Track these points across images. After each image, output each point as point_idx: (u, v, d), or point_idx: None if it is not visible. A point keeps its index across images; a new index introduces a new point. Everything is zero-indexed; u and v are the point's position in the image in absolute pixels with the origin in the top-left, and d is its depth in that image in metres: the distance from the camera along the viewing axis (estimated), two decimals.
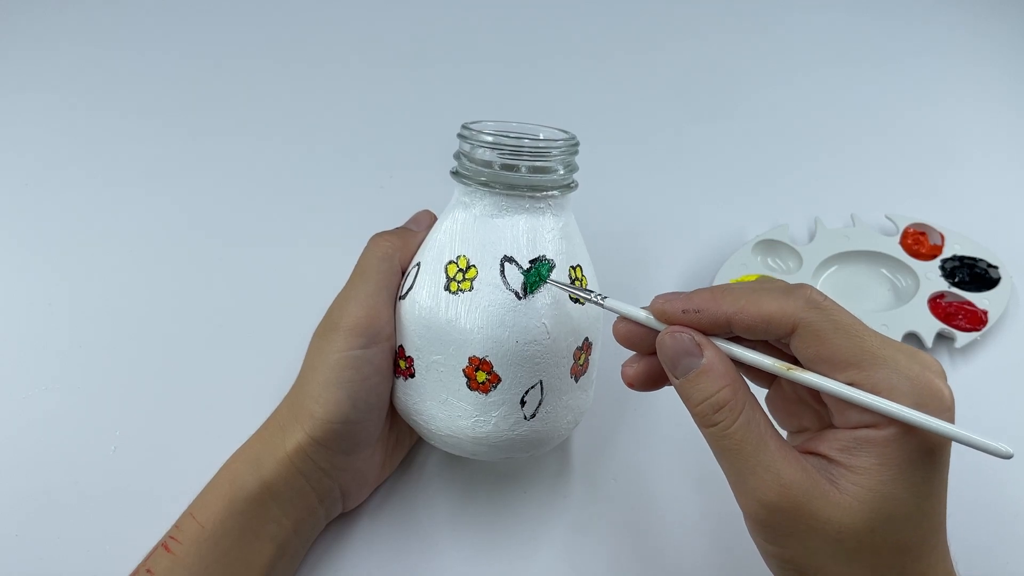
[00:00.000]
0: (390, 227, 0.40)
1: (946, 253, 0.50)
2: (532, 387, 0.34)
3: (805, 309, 0.26)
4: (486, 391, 0.34)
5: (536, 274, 0.33)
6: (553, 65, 0.64)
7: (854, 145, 0.59)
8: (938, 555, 0.27)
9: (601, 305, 0.31)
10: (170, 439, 0.42)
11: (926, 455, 0.25)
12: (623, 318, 0.31)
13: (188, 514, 0.34)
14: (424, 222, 0.40)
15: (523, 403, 0.34)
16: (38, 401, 0.43)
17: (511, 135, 0.34)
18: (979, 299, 0.48)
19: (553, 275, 0.34)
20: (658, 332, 0.29)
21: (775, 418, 0.31)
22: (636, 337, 0.30)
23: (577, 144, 0.35)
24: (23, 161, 0.54)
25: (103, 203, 0.52)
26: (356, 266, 0.37)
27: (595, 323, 0.37)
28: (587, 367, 0.37)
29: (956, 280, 0.49)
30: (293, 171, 0.55)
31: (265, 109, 0.59)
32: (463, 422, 0.34)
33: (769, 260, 0.51)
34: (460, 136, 0.35)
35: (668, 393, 0.29)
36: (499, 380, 0.33)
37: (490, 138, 0.34)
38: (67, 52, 0.61)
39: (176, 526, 0.34)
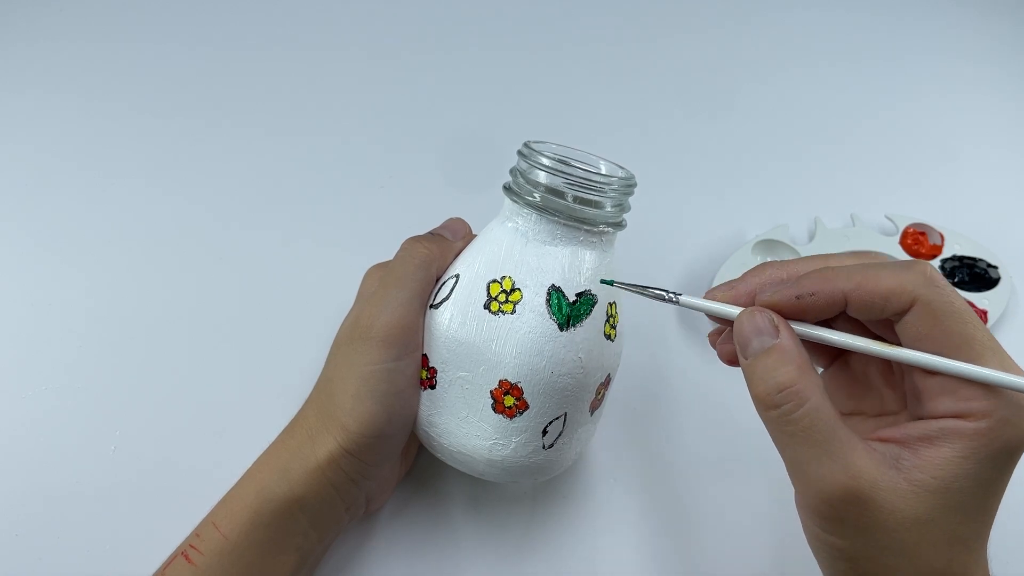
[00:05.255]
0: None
1: (946, 253, 0.50)
2: (556, 418, 0.34)
3: (925, 286, 0.26)
4: (511, 416, 0.33)
5: (580, 308, 0.33)
6: (550, 64, 0.64)
7: (854, 145, 0.59)
8: (983, 548, 0.27)
9: (677, 303, 0.30)
10: (170, 439, 0.42)
11: (1010, 452, 0.25)
12: (719, 332, 0.30)
13: (210, 523, 0.33)
14: (460, 232, 0.38)
15: (545, 432, 0.34)
16: (38, 401, 0.43)
17: (582, 166, 0.33)
18: (979, 299, 0.48)
19: (593, 311, 0.33)
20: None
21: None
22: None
23: (635, 184, 0.35)
24: (24, 160, 0.54)
25: (103, 203, 0.52)
26: (390, 270, 0.35)
27: (618, 359, 0.36)
28: (602, 402, 0.37)
29: (956, 280, 0.49)
30: (293, 170, 0.55)
31: (266, 109, 0.59)
32: (480, 442, 0.34)
33: (769, 260, 0.51)
34: (520, 154, 0.34)
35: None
36: (527, 407, 0.33)
37: (564, 166, 0.33)
38: (70, 50, 0.61)
39: (196, 535, 0.33)
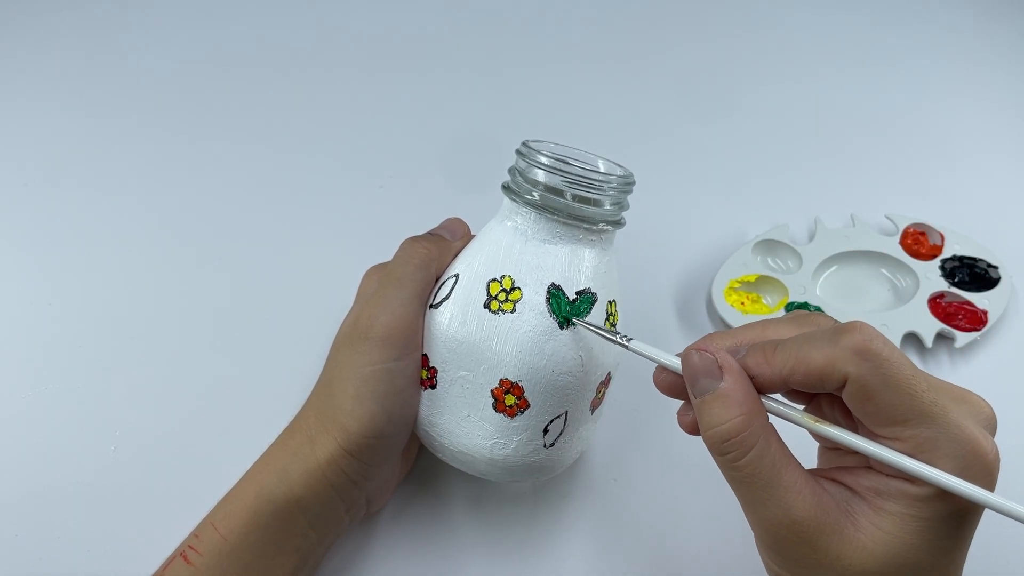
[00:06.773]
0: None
1: (946, 253, 0.50)
2: (557, 417, 0.34)
3: (853, 362, 0.24)
4: (512, 415, 0.33)
5: (580, 307, 0.33)
6: (549, 64, 0.64)
7: (854, 145, 0.59)
8: None
9: (627, 347, 0.30)
10: (170, 439, 0.42)
11: (958, 517, 0.25)
12: (663, 369, 0.29)
13: (209, 524, 0.33)
14: (459, 231, 0.38)
15: (546, 431, 0.34)
16: (38, 401, 0.43)
17: (580, 165, 0.33)
18: (979, 299, 0.48)
19: (594, 309, 0.33)
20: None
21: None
22: (680, 388, 0.29)
23: (633, 182, 0.35)
24: (24, 161, 0.54)
25: (103, 203, 0.52)
26: (389, 271, 0.35)
27: (619, 359, 0.36)
28: (602, 400, 0.37)
29: (956, 280, 0.49)
30: (292, 170, 0.55)
31: (265, 109, 0.59)
32: (481, 442, 0.34)
33: (769, 260, 0.51)
34: (519, 153, 0.34)
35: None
36: (528, 406, 0.33)
37: (563, 165, 0.33)
38: (68, 53, 0.61)
39: (195, 535, 0.33)
